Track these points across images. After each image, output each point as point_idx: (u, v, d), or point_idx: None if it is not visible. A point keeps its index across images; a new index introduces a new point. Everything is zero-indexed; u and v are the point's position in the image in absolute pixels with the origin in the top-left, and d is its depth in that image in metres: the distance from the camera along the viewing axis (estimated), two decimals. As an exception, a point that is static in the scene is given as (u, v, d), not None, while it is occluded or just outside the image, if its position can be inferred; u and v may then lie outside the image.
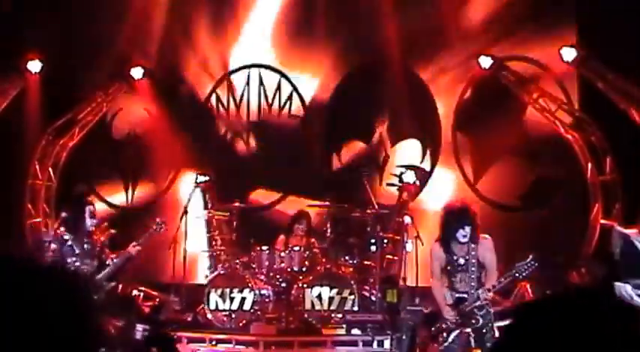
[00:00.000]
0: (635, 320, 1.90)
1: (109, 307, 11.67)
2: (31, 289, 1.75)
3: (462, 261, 10.50)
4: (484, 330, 10.51)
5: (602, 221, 14.31)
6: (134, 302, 12.51)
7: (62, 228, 11.76)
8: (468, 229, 10.31)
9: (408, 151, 15.80)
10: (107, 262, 11.77)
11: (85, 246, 11.72)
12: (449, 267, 10.55)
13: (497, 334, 11.02)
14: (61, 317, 1.74)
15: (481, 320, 10.49)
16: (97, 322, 1.86)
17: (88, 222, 11.73)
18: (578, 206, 14.85)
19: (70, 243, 11.69)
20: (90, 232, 11.83)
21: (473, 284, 10.48)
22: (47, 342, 1.71)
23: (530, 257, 10.21)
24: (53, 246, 11.76)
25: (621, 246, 10.19)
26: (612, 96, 14.01)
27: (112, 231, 12.38)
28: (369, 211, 14.12)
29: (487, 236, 10.60)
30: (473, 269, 10.48)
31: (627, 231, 10.18)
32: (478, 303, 10.50)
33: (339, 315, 13.40)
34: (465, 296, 10.51)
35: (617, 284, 9.95)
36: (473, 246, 10.47)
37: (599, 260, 13.30)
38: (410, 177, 14.40)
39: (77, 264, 11.64)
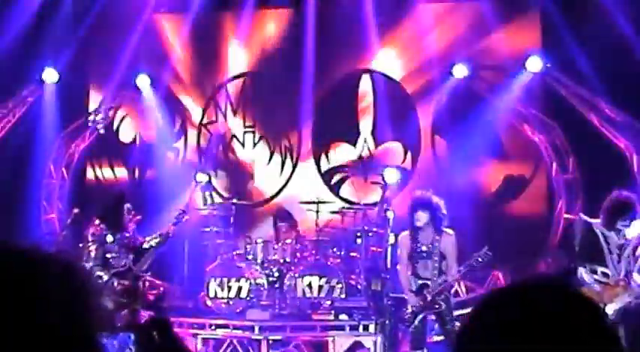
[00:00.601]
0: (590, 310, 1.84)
1: (121, 295, 11.76)
2: (31, 277, 1.66)
3: (425, 248, 10.74)
4: (447, 317, 10.80)
5: (566, 215, 14.39)
6: (141, 291, 12.34)
7: (102, 226, 11.84)
8: (422, 214, 10.61)
9: (391, 151, 15.81)
10: (144, 246, 11.99)
11: (124, 240, 11.88)
12: (413, 254, 10.75)
13: (457, 319, 11.19)
14: (62, 303, 1.66)
15: (443, 305, 10.73)
16: (98, 307, 1.82)
17: (126, 219, 11.99)
18: (545, 201, 15.01)
19: (110, 239, 11.80)
20: (126, 228, 11.98)
21: (435, 272, 10.76)
22: (48, 327, 1.63)
23: (486, 248, 10.54)
24: (95, 244, 11.83)
25: (583, 231, 10.23)
26: (574, 103, 14.07)
27: (139, 217, 12.46)
28: (355, 207, 14.40)
29: (451, 231, 10.83)
30: (435, 258, 10.76)
31: (591, 220, 10.20)
32: (438, 289, 10.68)
33: (328, 302, 13.51)
34: (428, 282, 10.68)
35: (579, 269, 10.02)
36: (437, 237, 10.74)
37: (564, 250, 13.15)
38: (392, 175, 14.00)
39: (117, 259, 11.83)
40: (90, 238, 11.87)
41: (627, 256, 10.04)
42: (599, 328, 1.81)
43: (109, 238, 11.84)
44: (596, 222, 10.13)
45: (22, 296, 1.62)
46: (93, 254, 11.75)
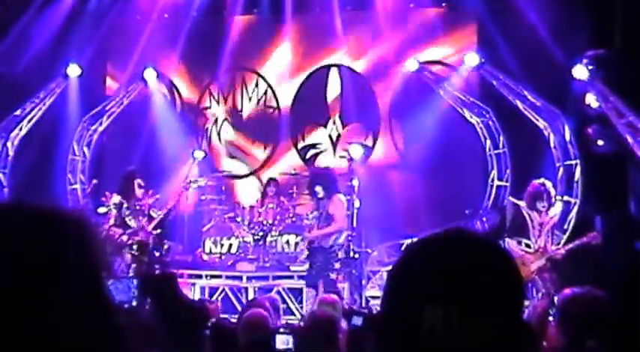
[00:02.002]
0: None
1: (135, 249, 12.64)
2: (48, 226, 1.60)
3: (317, 213, 11.63)
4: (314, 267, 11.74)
5: (498, 183, 14.86)
6: (151, 246, 12.94)
7: (119, 197, 12.87)
8: (318, 188, 11.42)
9: (356, 132, 16.08)
10: (155, 215, 12.88)
11: (137, 207, 12.74)
12: (317, 217, 11.60)
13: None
14: (75, 248, 1.60)
15: (314, 258, 11.71)
16: (105, 254, 1.77)
17: (138, 191, 12.92)
18: (481, 172, 15.25)
19: (126, 206, 12.86)
20: (139, 198, 12.93)
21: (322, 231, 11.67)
22: (61, 268, 1.57)
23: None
24: (114, 210, 12.81)
25: (513, 212, 11.16)
26: (503, 91, 14.40)
27: (157, 196, 13.25)
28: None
29: (341, 196, 11.56)
30: (323, 221, 11.63)
31: (518, 202, 11.17)
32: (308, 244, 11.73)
33: (303, 256, 13.38)
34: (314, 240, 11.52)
35: (506, 240, 11.08)
36: (326, 201, 11.48)
37: (495, 212, 14.18)
38: (356, 151, 14.49)
39: (132, 221, 12.73)
40: (111, 206, 12.81)
41: (546, 231, 11.07)
42: (510, 275, 1.79)
43: (125, 205, 12.85)
44: (522, 204, 11.10)
45: (39, 241, 1.58)
46: (113, 217, 12.69)
